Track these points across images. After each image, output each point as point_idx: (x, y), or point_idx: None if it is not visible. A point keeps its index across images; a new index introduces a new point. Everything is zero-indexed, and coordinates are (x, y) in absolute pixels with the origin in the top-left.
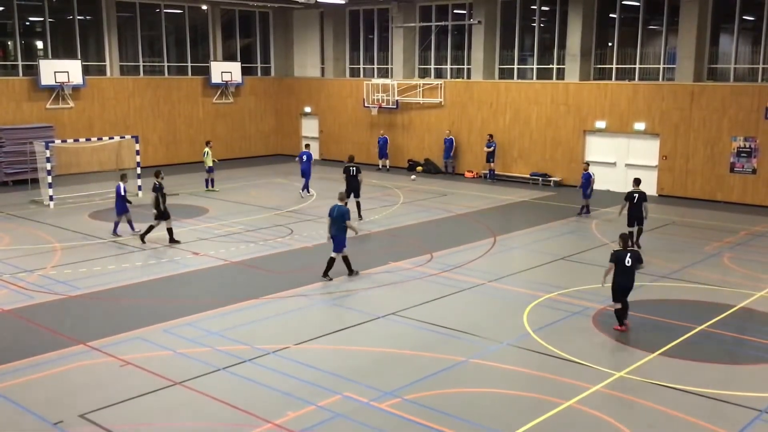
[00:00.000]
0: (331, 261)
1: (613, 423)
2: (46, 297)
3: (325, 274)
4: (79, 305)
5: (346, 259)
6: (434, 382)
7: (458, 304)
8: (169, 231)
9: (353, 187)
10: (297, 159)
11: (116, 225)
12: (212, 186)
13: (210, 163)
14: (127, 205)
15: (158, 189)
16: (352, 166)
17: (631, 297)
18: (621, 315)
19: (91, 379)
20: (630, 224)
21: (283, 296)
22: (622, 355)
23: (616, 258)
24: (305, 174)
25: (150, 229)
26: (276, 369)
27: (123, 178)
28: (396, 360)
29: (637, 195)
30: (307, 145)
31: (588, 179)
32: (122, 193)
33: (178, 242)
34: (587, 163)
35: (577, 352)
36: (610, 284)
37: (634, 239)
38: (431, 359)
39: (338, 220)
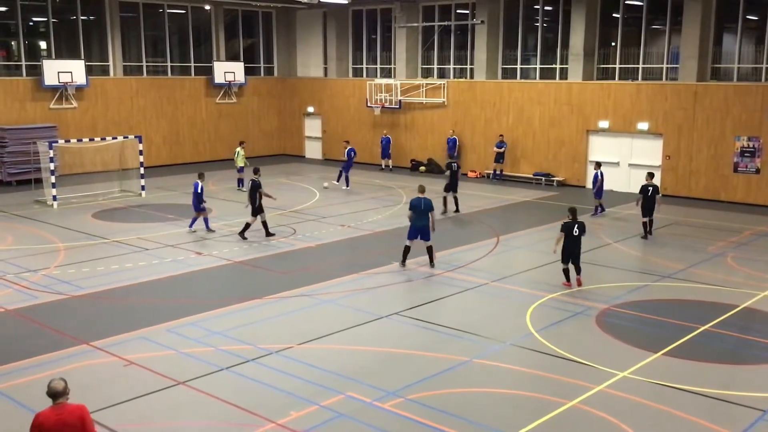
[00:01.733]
0: (407, 249)
1: (617, 423)
2: (49, 297)
3: (403, 262)
4: (82, 305)
5: (429, 250)
6: (437, 382)
7: (461, 304)
8: (264, 224)
9: (453, 182)
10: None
11: (194, 220)
12: (242, 186)
13: (241, 164)
14: (203, 204)
15: (257, 186)
16: (454, 163)
17: (634, 297)
18: (568, 274)
19: (94, 379)
20: (644, 215)
21: (286, 296)
22: (625, 355)
23: (566, 228)
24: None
25: (247, 226)
26: (279, 369)
27: (201, 176)
28: (399, 360)
29: (651, 188)
30: (347, 142)
31: (595, 179)
32: (198, 191)
33: (273, 235)
34: (597, 163)
35: (581, 352)
36: (560, 250)
37: (648, 229)
38: (434, 359)
39: (425, 212)
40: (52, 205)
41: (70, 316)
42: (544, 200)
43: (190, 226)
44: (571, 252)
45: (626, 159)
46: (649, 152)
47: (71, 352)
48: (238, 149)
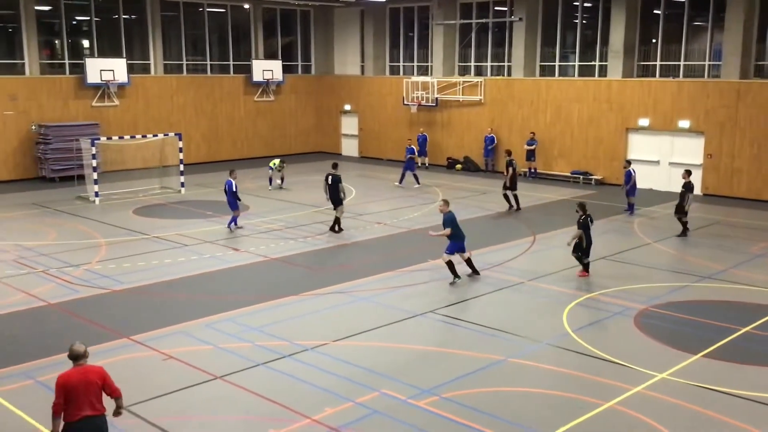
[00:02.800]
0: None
1: (654, 425)
2: (90, 291)
3: (455, 275)
4: (122, 299)
5: (469, 261)
6: (472, 380)
7: (497, 303)
8: (337, 220)
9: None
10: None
11: (233, 219)
12: (272, 184)
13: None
14: (238, 202)
15: (339, 180)
16: (513, 160)
17: (674, 297)
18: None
19: (134, 373)
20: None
21: (322, 293)
22: (663, 357)
23: (585, 226)
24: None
25: (338, 220)
26: (314, 365)
27: (232, 173)
28: (434, 358)
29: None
30: (410, 140)
31: (629, 177)
32: (233, 189)
33: (341, 230)
34: (628, 161)
35: (618, 353)
36: (572, 245)
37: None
38: (469, 358)
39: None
40: (94, 201)
41: (111, 310)
42: (582, 199)
43: (230, 224)
44: (590, 244)
45: (666, 158)
46: (690, 151)
47: (112, 346)
48: (277, 161)
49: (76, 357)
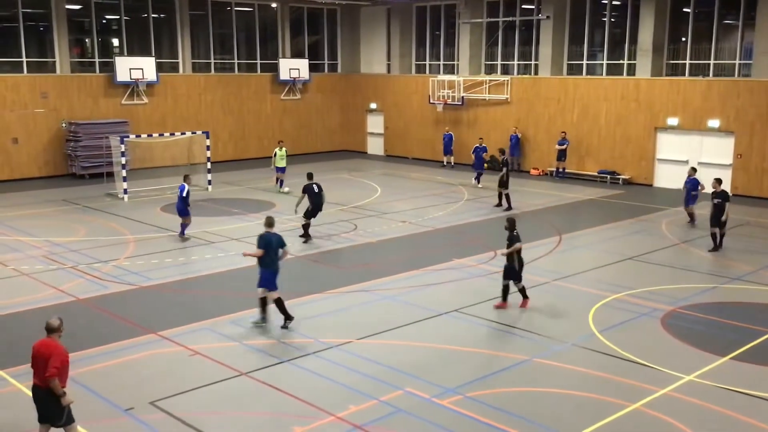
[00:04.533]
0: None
1: (681, 427)
2: (119, 287)
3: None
4: (150, 295)
5: (279, 302)
6: (497, 380)
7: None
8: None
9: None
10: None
11: (183, 228)
12: (282, 186)
13: (281, 164)
14: (188, 208)
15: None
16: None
17: (702, 299)
18: (507, 292)
19: (161, 368)
20: (711, 225)
21: (347, 291)
22: (691, 359)
23: (519, 239)
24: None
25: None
26: (339, 363)
27: (186, 178)
28: (458, 357)
29: (714, 194)
30: (481, 139)
31: (694, 185)
32: (184, 195)
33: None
34: (693, 169)
35: (644, 354)
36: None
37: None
38: (494, 357)
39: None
40: (123, 198)
41: (139, 306)
42: (609, 199)
43: (181, 234)
44: (521, 267)
45: (696, 157)
46: (719, 151)
47: (139, 341)
48: (277, 149)
49: (48, 329)
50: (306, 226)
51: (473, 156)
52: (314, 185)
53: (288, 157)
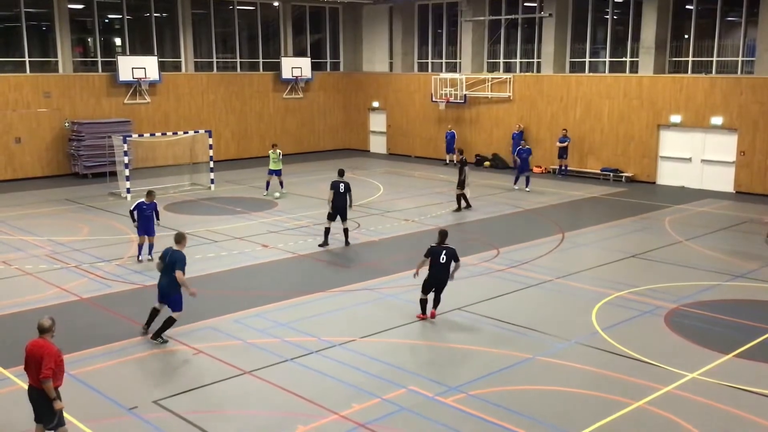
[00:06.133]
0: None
1: (684, 425)
2: (122, 286)
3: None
4: (153, 294)
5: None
6: (500, 378)
7: (525, 301)
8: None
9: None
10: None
11: (141, 248)
12: (283, 188)
13: (277, 167)
14: (155, 226)
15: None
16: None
17: (705, 296)
18: (424, 306)
19: (164, 367)
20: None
21: (350, 289)
22: (694, 356)
23: (432, 254)
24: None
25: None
26: (342, 361)
27: (149, 195)
28: (461, 355)
29: None
30: (524, 141)
31: None
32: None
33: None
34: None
35: (648, 352)
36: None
37: None
38: (497, 355)
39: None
40: (126, 197)
41: (142, 304)
42: (612, 196)
43: (139, 254)
44: (436, 281)
45: (699, 155)
46: (722, 148)
47: (142, 340)
48: (271, 152)
49: (39, 330)
50: (326, 231)
51: (517, 159)
52: (341, 184)
53: (291, 156)
